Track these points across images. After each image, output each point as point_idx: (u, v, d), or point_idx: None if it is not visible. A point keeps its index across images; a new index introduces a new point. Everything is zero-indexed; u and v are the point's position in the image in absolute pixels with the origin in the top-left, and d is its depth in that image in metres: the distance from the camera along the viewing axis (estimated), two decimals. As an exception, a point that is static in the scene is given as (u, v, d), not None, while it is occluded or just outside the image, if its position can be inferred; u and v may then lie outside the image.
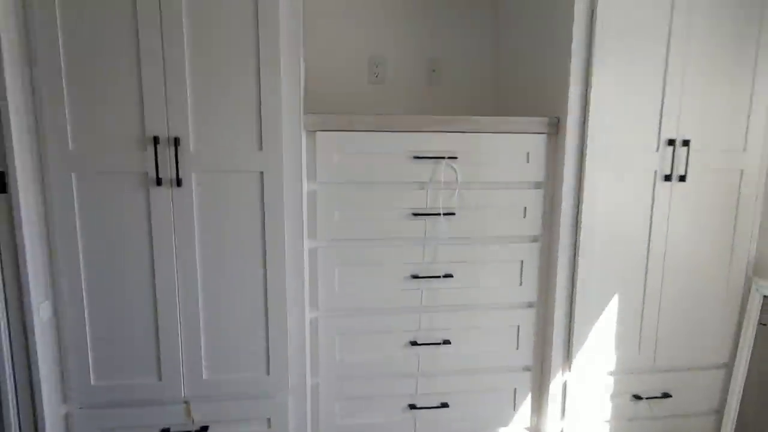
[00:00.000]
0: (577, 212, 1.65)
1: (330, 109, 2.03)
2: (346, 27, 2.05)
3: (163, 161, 1.44)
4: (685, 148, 1.64)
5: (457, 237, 1.65)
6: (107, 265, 1.49)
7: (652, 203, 1.67)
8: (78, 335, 1.51)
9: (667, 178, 1.65)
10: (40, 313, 1.45)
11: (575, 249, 1.67)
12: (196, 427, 1.60)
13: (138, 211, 1.46)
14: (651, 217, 1.68)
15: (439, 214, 1.62)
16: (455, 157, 1.59)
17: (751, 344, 1.76)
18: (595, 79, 1.57)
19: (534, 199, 1.67)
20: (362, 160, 1.56)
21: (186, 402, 1.59)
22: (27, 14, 1.34)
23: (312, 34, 1.98)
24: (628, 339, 1.76)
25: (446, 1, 2.09)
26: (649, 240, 1.69)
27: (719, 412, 1.87)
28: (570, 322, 1.72)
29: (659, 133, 1.63)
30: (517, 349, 1.76)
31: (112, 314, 1.52)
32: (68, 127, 1.40)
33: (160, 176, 1.44)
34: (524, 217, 1.67)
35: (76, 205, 1.44)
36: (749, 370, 1.78)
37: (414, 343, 1.69)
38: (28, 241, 1.39)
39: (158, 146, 1.43)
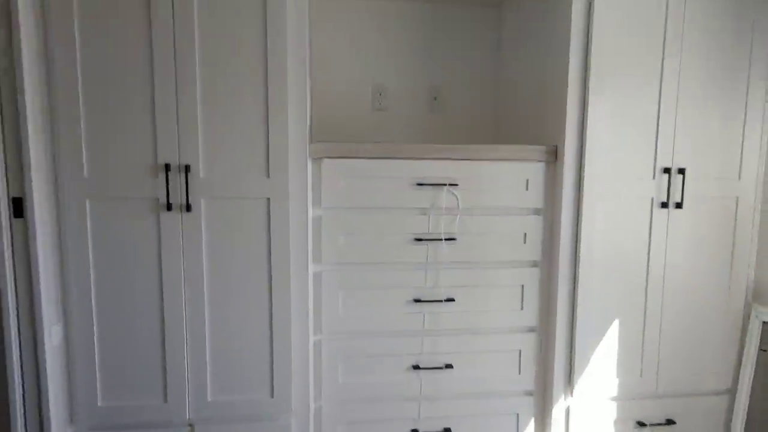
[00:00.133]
0: (576, 238, 1.68)
1: (335, 136, 2.09)
2: (350, 56, 2.13)
3: (174, 187, 1.49)
4: (681, 176, 1.68)
5: (459, 262, 1.68)
6: (117, 288, 1.53)
7: (650, 230, 1.70)
8: (87, 357, 1.54)
9: (664, 205, 1.69)
10: (51, 335, 1.49)
11: (575, 274, 1.70)
12: (200, 449, 1.61)
13: (148, 236, 1.51)
14: (649, 244, 1.71)
15: (440, 239, 1.66)
16: (456, 184, 1.64)
17: (753, 370, 1.76)
18: (591, 110, 1.62)
19: (534, 225, 1.70)
20: (366, 186, 1.61)
21: (191, 425, 1.60)
22: (47, 47, 1.41)
23: (317, 63, 2.06)
24: (630, 364, 1.77)
25: (448, 32, 2.17)
26: (648, 266, 1.72)
27: (723, 439, 1.86)
28: (571, 346, 1.73)
29: (655, 161, 1.68)
30: (519, 373, 1.77)
31: (121, 336, 1.55)
32: (84, 155, 1.46)
33: (170, 202, 1.49)
34: (524, 242, 1.70)
35: (89, 230, 1.49)
36: (752, 396, 1.78)
37: (416, 367, 1.71)
38: (42, 265, 1.44)
39: (169, 173, 1.48)
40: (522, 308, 1.74)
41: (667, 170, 1.68)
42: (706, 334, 1.79)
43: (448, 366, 1.72)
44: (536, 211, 1.71)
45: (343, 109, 2.12)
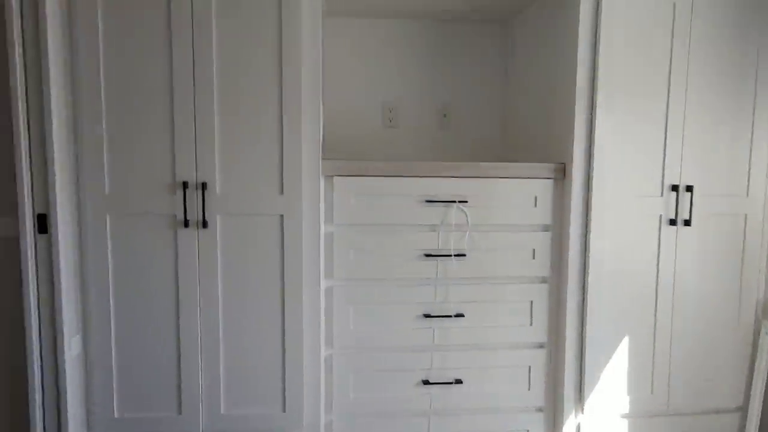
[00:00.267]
0: (585, 255, 1.69)
1: (346, 153, 2.14)
2: (360, 75, 2.18)
3: (191, 204, 1.54)
4: (689, 193, 1.70)
5: (468, 277, 1.71)
6: (134, 301, 1.57)
7: (659, 247, 1.71)
8: (104, 368, 1.58)
9: (672, 222, 1.70)
10: (71, 347, 1.53)
11: (584, 290, 1.71)
12: (213, 462, 1.64)
13: (166, 251, 1.56)
14: (658, 261, 1.72)
15: (450, 256, 1.68)
16: (465, 201, 1.67)
17: (763, 388, 1.75)
18: (598, 127, 1.64)
19: (542, 242, 1.72)
20: (377, 203, 1.64)
21: (204, 437, 1.63)
22: (74, 69, 1.48)
23: (329, 81, 2.11)
24: (641, 381, 1.76)
25: (456, 49, 2.22)
26: (657, 283, 1.73)
27: (737, 457, 1.84)
28: (581, 363, 1.73)
29: (662, 178, 1.69)
30: (529, 389, 1.77)
31: (137, 348, 1.59)
32: (105, 173, 1.52)
33: (187, 218, 1.54)
34: (533, 258, 1.72)
35: (108, 245, 1.54)
36: (764, 413, 1.76)
37: (426, 382, 1.72)
38: (63, 279, 1.48)
39: (187, 190, 1.53)
40: (531, 324, 1.75)
41: (675, 187, 1.69)
42: (717, 351, 1.79)
43: (458, 381, 1.73)
44: (545, 228, 1.73)
45: (354, 126, 2.17)
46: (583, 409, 1.74)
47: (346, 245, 1.65)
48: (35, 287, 1.48)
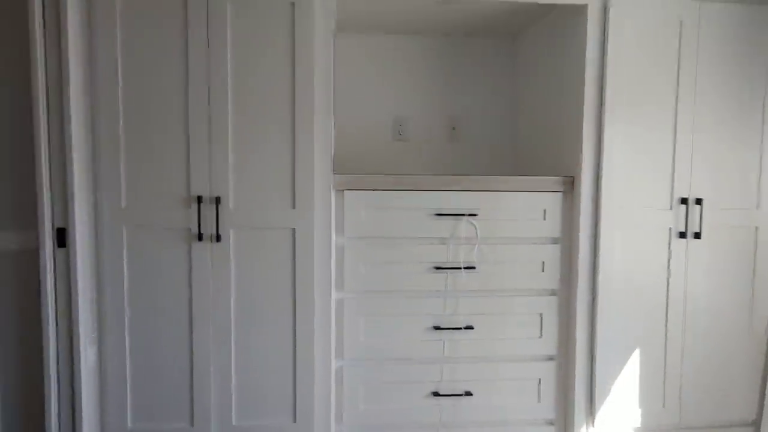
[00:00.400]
0: (595, 267, 1.70)
1: (357, 166, 2.16)
2: (371, 89, 2.21)
3: (205, 218, 1.57)
4: (698, 206, 1.70)
5: (478, 290, 1.72)
6: (149, 313, 1.60)
7: (669, 259, 1.71)
8: (119, 379, 1.61)
9: (682, 235, 1.70)
10: (87, 357, 1.56)
11: (594, 303, 1.71)
12: (225, 473, 1.65)
13: (180, 264, 1.59)
14: (668, 273, 1.72)
15: (460, 268, 1.69)
16: (475, 214, 1.68)
17: (778, 402, 1.73)
18: (607, 140, 1.66)
19: (552, 254, 1.73)
20: (387, 216, 1.66)
21: (216, 448, 1.65)
22: (93, 86, 1.52)
23: (340, 96, 2.14)
24: (652, 394, 1.75)
25: (465, 64, 2.24)
26: (668, 296, 1.72)
27: (751, 472, 1.82)
28: (592, 375, 1.73)
29: (672, 191, 1.70)
30: (539, 402, 1.77)
31: (151, 359, 1.61)
32: (122, 188, 1.55)
33: (201, 232, 1.57)
34: (542, 271, 1.73)
35: (124, 258, 1.57)
36: (779, 429, 1.75)
37: (436, 394, 1.73)
38: (80, 291, 1.52)
39: (201, 205, 1.56)
40: (541, 336, 1.75)
41: (684, 200, 1.70)
42: (729, 364, 1.78)
43: (468, 393, 1.74)
44: (554, 240, 1.74)
45: (364, 139, 2.20)
46: (594, 423, 1.73)
47: (356, 258, 1.67)
48: (53, 299, 1.52)
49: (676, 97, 1.68)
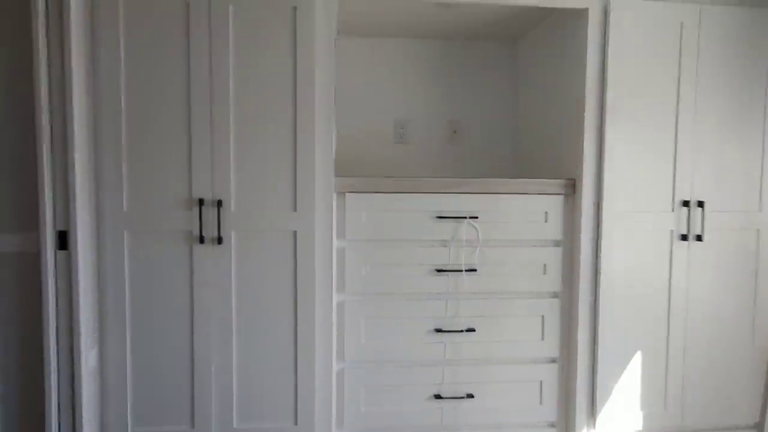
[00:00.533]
0: (596, 270, 1.70)
1: (358, 169, 2.17)
2: (372, 92, 2.21)
3: (207, 221, 1.57)
4: (700, 209, 1.70)
5: (479, 292, 1.71)
6: (150, 316, 1.60)
7: (670, 262, 1.71)
8: (119, 382, 1.61)
9: (684, 237, 1.70)
10: (88, 360, 1.55)
11: (595, 305, 1.71)
12: (226, 476, 1.65)
13: (182, 267, 1.58)
14: (670, 276, 1.72)
15: (461, 271, 1.69)
16: (476, 217, 1.68)
17: (780, 405, 1.73)
18: (608, 143, 1.66)
19: (553, 257, 1.73)
20: (388, 219, 1.66)
21: (217, 451, 1.64)
22: (96, 88, 1.53)
23: (341, 99, 2.15)
24: (654, 397, 1.75)
25: (466, 67, 2.25)
26: (669, 298, 1.72)
27: (753, 475, 1.82)
28: (593, 378, 1.73)
29: (673, 194, 1.70)
30: (541, 404, 1.77)
31: (152, 362, 1.61)
32: (124, 190, 1.55)
33: (203, 234, 1.57)
34: (544, 273, 1.73)
35: (126, 261, 1.57)
36: (781, 432, 1.74)
37: (438, 397, 1.72)
38: (82, 294, 1.51)
39: (203, 207, 1.56)
40: (543, 339, 1.75)
41: (686, 203, 1.70)
42: (732, 366, 1.77)
43: (469, 396, 1.73)
44: (556, 243, 1.74)
45: (365, 142, 2.20)
46: (595, 425, 1.73)
47: (358, 260, 1.67)
48: (54, 302, 1.51)
49: (677, 99, 1.69)
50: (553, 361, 1.77)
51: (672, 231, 1.71)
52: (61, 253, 1.51)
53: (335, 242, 1.65)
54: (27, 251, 1.58)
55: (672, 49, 1.67)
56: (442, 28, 2.08)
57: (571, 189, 1.72)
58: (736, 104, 1.71)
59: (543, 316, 1.74)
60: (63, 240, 1.50)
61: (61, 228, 1.50)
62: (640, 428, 1.75)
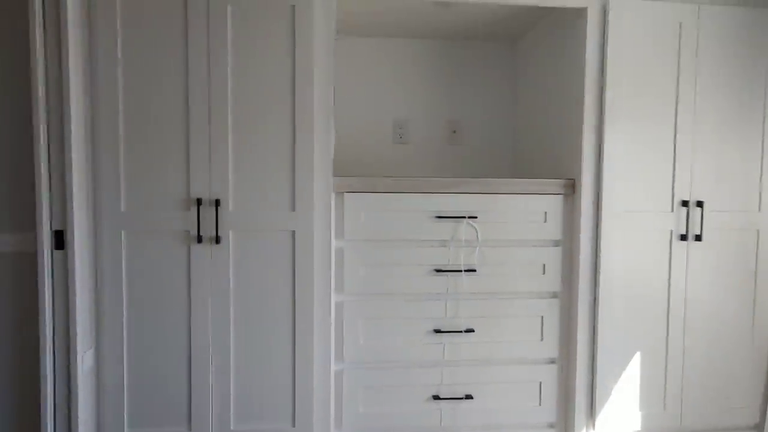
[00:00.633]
0: (596, 270, 1.70)
1: (357, 169, 2.16)
2: (371, 92, 2.21)
3: (204, 221, 1.56)
4: (699, 208, 1.70)
5: (478, 293, 1.71)
6: (147, 316, 1.59)
7: (670, 262, 1.71)
8: (116, 383, 1.59)
9: (683, 237, 1.70)
10: (84, 361, 1.54)
11: (595, 305, 1.70)
12: (223, 478, 1.64)
13: (179, 267, 1.58)
14: (669, 276, 1.71)
15: (460, 271, 1.69)
16: (475, 217, 1.68)
17: (780, 406, 1.73)
18: (607, 143, 1.66)
19: (553, 257, 1.72)
20: (387, 219, 1.66)
21: (214, 452, 1.63)
22: (93, 88, 1.52)
23: (340, 98, 2.14)
24: (653, 397, 1.75)
25: (465, 67, 2.24)
26: (669, 298, 1.72)
27: (753, 476, 1.81)
28: (592, 378, 1.72)
29: (672, 194, 1.70)
30: (540, 405, 1.76)
31: (148, 363, 1.60)
32: (121, 190, 1.54)
33: (201, 234, 1.56)
34: (543, 273, 1.72)
35: (123, 261, 1.56)
36: (781, 433, 1.74)
37: (436, 398, 1.72)
38: (78, 294, 1.50)
39: (201, 207, 1.56)
40: (542, 339, 1.74)
41: (685, 203, 1.70)
42: (731, 367, 1.77)
43: (468, 397, 1.73)
44: (555, 243, 1.73)
45: (364, 142, 2.20)
46: (594, 425, 1.72)
47: (356, 261, 1.66)
48: (51, 302, 1.50)
49: (677, 99, 1.68)
50: (553, 361, 1.76)
51: (671, 231, 1.70)
52: (58, 253, 1.50)
53: (334, 242, 1.64)
54: (24, 251, 1.57)
55: (671, 48, 1.67)
56: (441, 28, 2.08)
57: (571, 189, 1.72)
58: (735, 104, 1.71)
59: (542, 316, 1.74)
60: (60, 240, 1.49)
61: (58, 228, 1.49)
62: (639, 429, 1.75)
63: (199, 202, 1.55)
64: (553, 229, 1.72)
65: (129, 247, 1.56)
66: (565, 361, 1.77)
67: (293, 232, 1.60)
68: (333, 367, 1.67)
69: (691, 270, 1.72)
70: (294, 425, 1.64)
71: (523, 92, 2.19)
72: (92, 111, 1.52)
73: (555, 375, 1.76)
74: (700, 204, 1.70)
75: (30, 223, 1.52)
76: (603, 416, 1.72)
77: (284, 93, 1.57)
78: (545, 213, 1.71)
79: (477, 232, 1.68)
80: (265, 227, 1.59)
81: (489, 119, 2.26)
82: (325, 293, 1.63)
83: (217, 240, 1.57)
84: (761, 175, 1.73)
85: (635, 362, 1.73)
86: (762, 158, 1.73)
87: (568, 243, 1.73)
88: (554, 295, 1.75)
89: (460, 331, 1.70)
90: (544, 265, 1.72)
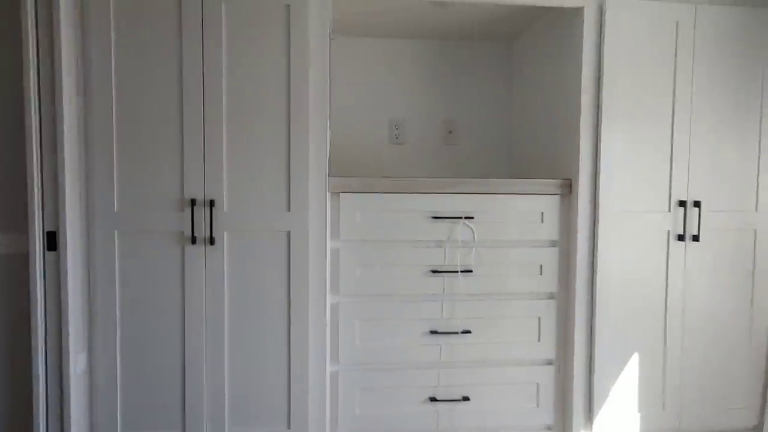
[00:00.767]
0: (593, 270, 1.69)
1: (353, 169, 2.15)
2: (367, 92, 2.20)
3: (199, 221, 1.55)
4: (696, 208, 1.69)
5: (475, 293, 1.70)
6: (141, 318, 1.57)
7: (667, 262, 1.70)
8: (109, 386, 1.58)
9: (681, 237, 1.69)
10: (77, 364, 1.53)
11: (592, 306, 1.69)
12: (218, 481, 1.62)
13: (173, 268, 1.56)
14: (667, 276, 1.70)
15: (456, 272, 1.68)
16: (472, 217, 1.67)
17: (779, 407, 1.72)
18: (604, 143, 1.65)
19: (549, 257, 1.71)
20: (383, 219, 1.65)
21: (209, 455, 1.62)
22: (86, 87, 1.51)
23: (336, 99, 2.13)
24: (652, 398, 1.74)
25: (462, 67, 2.24)
26: (666, 299, 1.71)
27: (752, 478, 1.80)
28: (590, 379, 1.71)
29: (670, 194, 1.69)
30: (538, 406, 1.75)
31: (142, 365, 1.58)
32: (114, 190, 1.53)
33: (195, 235, 1.55)
34: (540, 274, 1.71)
35: (116, 262, 1.55)
36: (780, 434, 1.73)
37: (433, 399, 1.70)
38: (71, 296, 1.49)
39: (195, 208, 1.54)
40: (539, 340, 1.73)
41: (682, 203, 1.69)
42: (730, 368, 1.76)
43: (465, 398, 1.71)
44: (552, 243, 1.72)
45: (360, 142, 2.19)
46: (592, 427, 1.71)
47: (352, 261, 1.65)
48: (43, 304, 1.49)
49: (673, 98, 1.68)
50: (550, 362, 1.75)
51: (669, 231, 1.70)
52: (50, 254, 1.48)
53: (329, 243, 1.63)
54: (16, 252, 1.56)
55: (668, 48, 1.67)
56: (437, 28, 2.07)
57: (568, 189, 1.71)
58: (732, 103, 1.71)
59: (539, 317, 1.73)
60: (52, 241, 1.47)
61: (51, 229, 1.47)
62: (638, 430, 1.73)
63: (193, 202, 1.54)
64: (550, 229, 1.71)
65: (122, 247, 1.55)
66: (562, 362, 1.76)
67: (288, 233, 1.58)
68: (329, 369, 1.66)
69: (688, 270, 1.71)
70: (289, 427, 1.63)
71: (520, 92, 2.18)
72: (85, 111, 1.51)
73: (552, 376, 1.75)
74: (697, 204, 1.69)
75: (22, 224, 1.51)
76: (601, 418, 1.71)
77: (279, 93, 1.56)
78: (542, 213, 1.70)
79: (473, 232, 1.67)
80: (260, 228, 1.58)
81: (485, 119, 2.25)
82: (321, 294, 1.62)
83: (212, 241, 1.55)
84: (758, 175, 1.73)
85: (633, 363, 1.72)
86: (759, 157, 1.73)
87: (565, 243, 1.73)
88: (551, 296, 1.74)
89: (457, 333, 1.69)
90: (541, 265, 1.71)
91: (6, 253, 1.57)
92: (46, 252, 1.48)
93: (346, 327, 1.67)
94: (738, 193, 1.72)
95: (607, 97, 1.64)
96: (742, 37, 1.69)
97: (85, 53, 1.50)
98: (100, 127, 1.51)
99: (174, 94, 1.53)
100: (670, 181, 1.69)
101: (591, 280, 1.69)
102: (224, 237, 1.57)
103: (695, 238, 1.69)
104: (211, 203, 1.55)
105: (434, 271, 1.67)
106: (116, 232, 1.54)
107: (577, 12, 1.67)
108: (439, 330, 1.69)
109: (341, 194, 1.63)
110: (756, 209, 1.73)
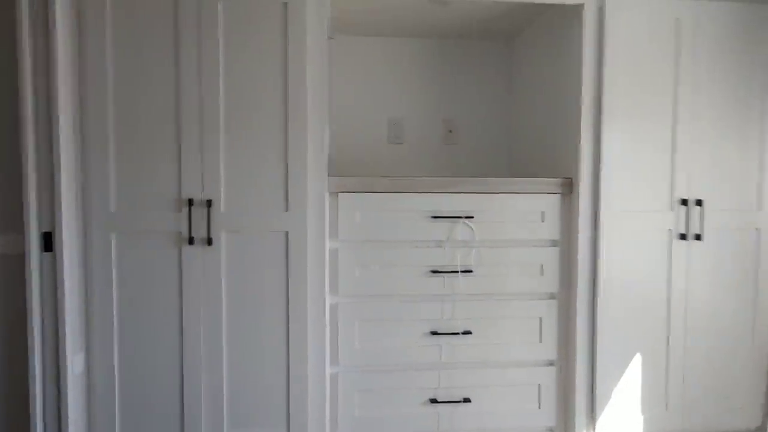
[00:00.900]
0: (594, 270, 1.67)
1: (352, 169, 2.14)
2: (366, 92, 2.19)
3: (196, 222, 1.54)
4: (699, 207, 1.67)
5: (475, 294, 1.68)
6: (138, 319, 1.56)
7: (669, 261, 1.69)
8: (106, 387, 1.57)
9: (683, 236, 1.68)
10: (74, 366, 1.52)
11: (594, 306, 1.68)
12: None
13: (170, 268, 1.55)
14: (669, 276, 1.69)
15: (457, 272, 1.66)
16: (472, 217, 1.65)
17: (783, 408, 1.70)
18: (605, 142, 1.64)
19: (551, 257, 1.70)
20: (382, 219, 1.63)
21: (207, 458, 1.60)
22: (81, 88, 1.50)
23: (335, 98, 2.12)
24: (654, 399, 1.72)
25: (461, 66, 2.23)
26: (669, 298, 1.69)
27: (756, 480, 1.78)
28: (592, 380, 1.70)
29: (672, 193, 1.68)
30: (539, 408, 1.73)
31: (140, 367, 1.57)
32: (111, 190, 1.52)
33: (192, 235, 1.53)
34: (541, 274, 1.70)
35: (113, 263, 1.54)
36: (784, 435, 1.71)
37: (434, 401, 1.69)
38: (68, 297, 1.48)
39: (192, 208, 1.53)
40: (540, 341, 1.72)
41: (684, 201, 1.67)
42: (733, 368, 1.74)
43: (466, 400, 1.70)
44: (553, 243, 1.71)
45: (359, 142, 2.18)
46: (595, 429, 1.69)
47: (351, 262, 1.63)
48: (39, 305, 1.48)
49: (675, 96, 1.66)
50: (552, 363, 1.74)
51: (671, 230, 1.68)
52: (47, 255, 1.47)
53: (328, 243, 1.62)
54: (12, 253, 1.55)
55: (668, 45, 1.65)
56: (436, 26, 2.06)
57: (568, 188, 1.69)
58: (733, 101, 1.69)
59: (541, 317, 1.71)
60: (48, 241, 1.46)
61: (47, 229, 1.46)
62: (641, 431, 1.72)
63: (190, 202, 1.53)
64: (551, 228, 1.69)
65: (119, 248, 1.54)
66: (564, 363, 1.74)
67: (287, 233, 1.57)
68: (328, 370, 1.65)
69: (691, 269, 1.70)
70: (288, 429, 1.61)
71: (520, 91, 2.17)
72: (81, 110, 1.50)
73: (554, 377, 1.73)
74: (699, 202, 1.67)
75: (18, 225, 1.50)
76: (604, 419, 1.69)
77: (277, 92, 1.55)
78: (542, 213, 1.69)
79: (473, 232, 1.66)
80: (258, 228, 1.56)
81: (485, 118, 2.24)
82: (320, 295, 1.61)
83: (209, 241, 1.54)
84: (760, 173, 1.71)
85: (636, 363, 1.70)
86: (761, 155, 1.71)
87: (566, 243, 1.71)
88: (552, 296, 1.72)
89: (457, 333, 1.68)
90: (541, 265, 1.70)
91: (2, 253, 1.56)
92: (43, 252, 1.47)
93: (346, 328, 1.65)
94: (740, 192, 1.71)
95: (607, 95, 1.63)
96: (743, 33, 1.68)
97: (81, 52, 1.49)
98: (96, 127, 1.50)
99: (171, 94, 1.52)
100: (672, 179, 1.67)
101: (592, 279, 1.68)
102: (222, 237, 1.55)
103: (698, 237, 1.68)
104: (209, 203, 1.53)
105: (434, 272, 1.66)
106: (113, 232, 1.53)
107: (577, 9, 1.65)
108: (440, 331, 1.68)
109: (340, 194, 1.62)
110: (759, 208, 1.72)
